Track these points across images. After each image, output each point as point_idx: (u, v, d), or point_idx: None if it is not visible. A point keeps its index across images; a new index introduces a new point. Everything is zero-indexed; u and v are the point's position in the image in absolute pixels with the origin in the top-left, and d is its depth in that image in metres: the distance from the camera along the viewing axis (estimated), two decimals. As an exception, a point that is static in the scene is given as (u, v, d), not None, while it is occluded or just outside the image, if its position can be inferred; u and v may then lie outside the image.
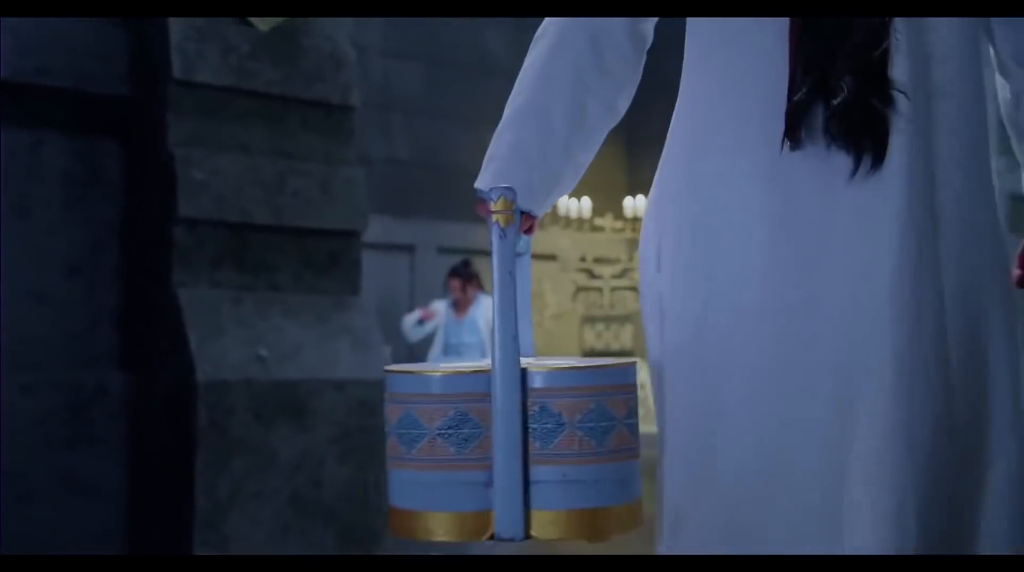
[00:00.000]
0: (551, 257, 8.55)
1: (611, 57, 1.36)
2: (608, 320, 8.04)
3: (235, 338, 2.96)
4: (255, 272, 3.11)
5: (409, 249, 8.27)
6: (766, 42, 1.22)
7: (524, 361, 1.19)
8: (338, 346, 3.15)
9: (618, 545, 1.24)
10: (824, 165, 1.19)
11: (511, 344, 1.16)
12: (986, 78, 1.28)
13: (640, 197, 8.21)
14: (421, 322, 7.34)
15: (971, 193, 1.24)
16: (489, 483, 1.17)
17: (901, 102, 1.19)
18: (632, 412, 1.21)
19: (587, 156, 1.41)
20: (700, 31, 1.31)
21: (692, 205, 1.29)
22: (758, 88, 1.23)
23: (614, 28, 1.35)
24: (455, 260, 7.59)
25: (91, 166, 3.10)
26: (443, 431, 1.18)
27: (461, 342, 7.40)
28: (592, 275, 8.11)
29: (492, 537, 1.18)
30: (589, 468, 1.17)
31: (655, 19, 1.38)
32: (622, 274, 8.17)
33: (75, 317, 3.05)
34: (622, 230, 8.32)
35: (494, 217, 1.19)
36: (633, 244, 8.45)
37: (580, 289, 8.40)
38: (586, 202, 8.16)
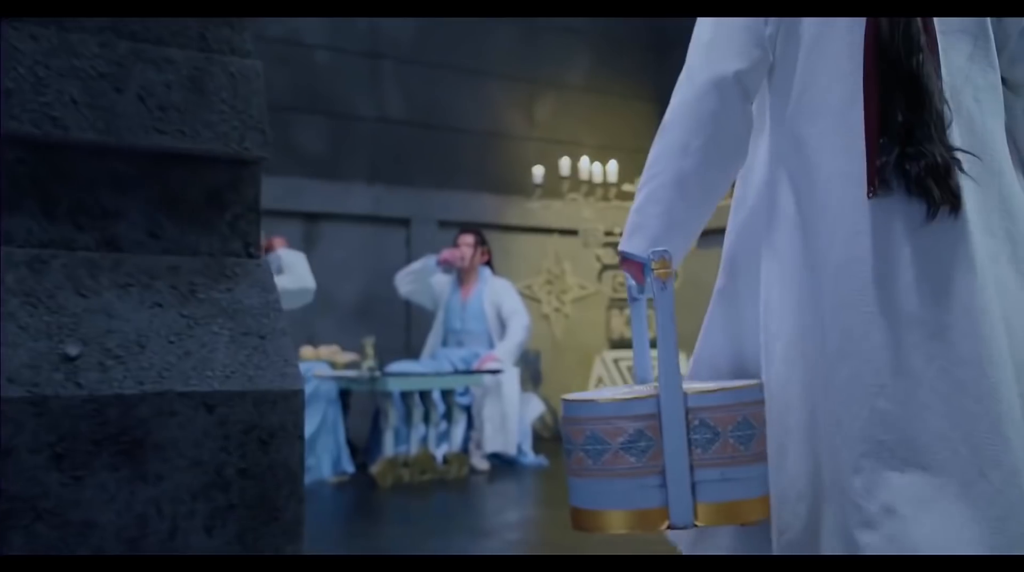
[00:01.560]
0: (571, 231, 7.33)
1: (732, 140, 1.68)
2: (639, 303, 6.80)
3: (24, 327, 1.77)
4: (74, 219, 1.93)
5: (404, 222, 7.08)
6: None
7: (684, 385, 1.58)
8: (211, 338, 1.96)
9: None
10: (905, 209, 1.53)
11: (675, 374, 1.55)
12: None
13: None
14: (444, 266, 6.08)
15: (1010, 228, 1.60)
16: (663, 484, 1.52)
17: (966, 160, 1.53)
18: (764, 421, 1.60)
19: (714, 207, 1.74)
20: (793, 88, 1.66)
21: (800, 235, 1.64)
22: (854, 140, 1.56)
23: (735, 114, 1.65)
24: (457, 235, 6.40)
25: None
26: (625, 445, 1.53)
27: (465, 329, 6.18)
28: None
29: (669, 527, 1.53)
30: (741, 468, 1.54)
31: (754, 97, 1.68)
32: (655, 249, 6.94)
33: None
34: (654, 198, 7.08)
35: (655, 273, 1.60)
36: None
37: (606, 267, 7.18)
38: (612, 165, 6.94)
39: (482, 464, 5.71)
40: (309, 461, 5.22)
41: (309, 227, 6.75)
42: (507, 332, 6.06)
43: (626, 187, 6.95)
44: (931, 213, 1.50)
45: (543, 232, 7.56)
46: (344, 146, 6.91)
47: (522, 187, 7.27)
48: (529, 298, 7.45)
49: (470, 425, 5.84)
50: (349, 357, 5.76)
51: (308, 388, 5.27)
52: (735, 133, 1.66)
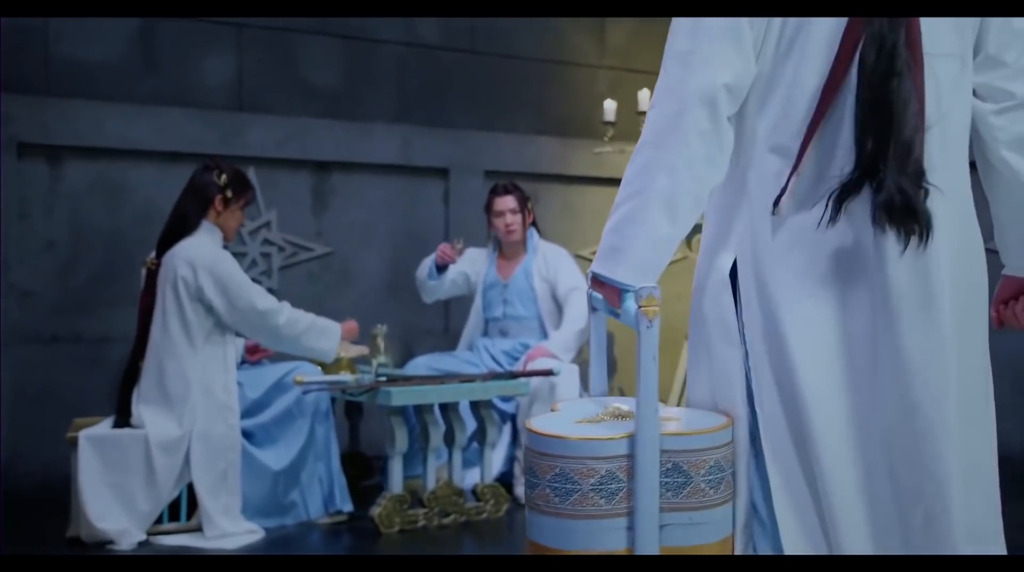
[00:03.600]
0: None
1: (719, 156, 1.64)
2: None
3: None
4: None
5: (442, 173, 5.69)
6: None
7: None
8: None
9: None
10: (877, 241, 1.58)
11: (653, 417, 1.54)
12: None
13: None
14: (441, 270, 4.74)
15: (969, 254, 1.67)
16: (630, 527, 1.54)
17: (933, 193, 1.58)
18: (732, 462, 1.63)
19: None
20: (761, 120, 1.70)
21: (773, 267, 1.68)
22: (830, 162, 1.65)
23: (722, 129, 1.62)
24: (488, 198, 4.97)
25: None
26: (595, 487, 1.53)
27: (508, 316, 4.72)
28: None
29: None
30: (709, 512, 1.57)
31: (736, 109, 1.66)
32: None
33: None
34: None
35: (642, 310, 1.59)
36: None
37: (697, 228, 5.65)
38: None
39: (529, 494, 4.32)
40: (292, 496, 3.88)
41: (320, 179, 5.41)
42: (564, 316, 4.62)
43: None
44: (903, 248, 1.57)
45: (617, 183, 6.09)
46: (364, 77, 5.53)
47: (590, 128, 5.85)
48: (600, 266, 6.02)
49: (514, 441, 4.45)
50: (357, 351, 4.40)
51: (289, 399, 3.91)
52: (722, 149, 1.64)
